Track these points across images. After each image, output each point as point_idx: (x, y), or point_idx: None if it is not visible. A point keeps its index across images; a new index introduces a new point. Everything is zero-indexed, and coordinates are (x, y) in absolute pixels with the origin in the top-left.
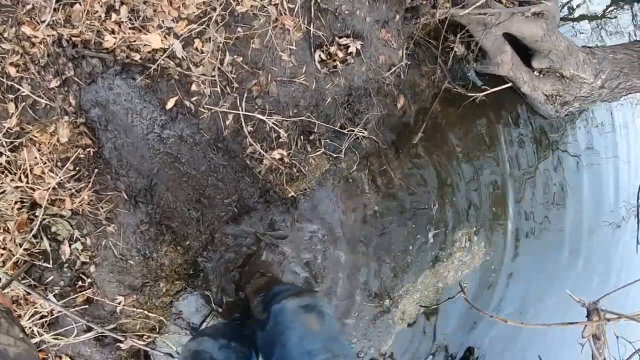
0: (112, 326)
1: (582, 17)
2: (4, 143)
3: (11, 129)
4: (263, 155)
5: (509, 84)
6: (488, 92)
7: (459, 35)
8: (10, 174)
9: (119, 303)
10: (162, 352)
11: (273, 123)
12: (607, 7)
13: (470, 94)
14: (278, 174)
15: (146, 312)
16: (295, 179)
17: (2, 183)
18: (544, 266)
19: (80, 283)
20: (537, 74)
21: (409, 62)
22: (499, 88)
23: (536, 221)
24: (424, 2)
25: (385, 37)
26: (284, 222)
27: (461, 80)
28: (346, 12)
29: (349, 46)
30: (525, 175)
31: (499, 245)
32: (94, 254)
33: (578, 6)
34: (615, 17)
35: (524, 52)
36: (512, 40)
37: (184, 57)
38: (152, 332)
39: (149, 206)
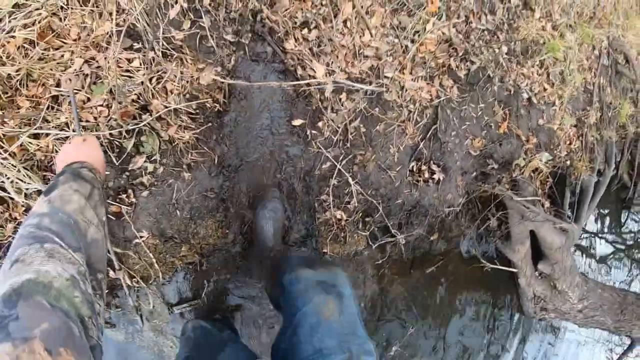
0: (119, 250)
1: (588, 252)
2: (162, 43)
3: (174, 40)
4: (329, 208)
5: (514, 270)
6: (495, 267)
7: (499, 213)
8: (146, 70)
9: (141, 237)
10: (131, 303)
11: (354, 190)
12: (609, 255)
13: (482, 261)
14: (328, 230)
15: (154, 260)
16: (337, 242)
17: (137, 70)
18: None
19: (124, 196)
20: (537, 274)
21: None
22: (505, 268)
23: None
24: (494, 175)
25: (459, 182)
26: None
27: (482, 247)
28: (449, 148)
29: (435, 173)
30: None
31: None
32: (156, 183)
33: (590, 243)
34: (611, 267)
35: (537, 252)
36: (533, 238)
37: (329, 98)
38: (142, 280)
39: (226, 182)
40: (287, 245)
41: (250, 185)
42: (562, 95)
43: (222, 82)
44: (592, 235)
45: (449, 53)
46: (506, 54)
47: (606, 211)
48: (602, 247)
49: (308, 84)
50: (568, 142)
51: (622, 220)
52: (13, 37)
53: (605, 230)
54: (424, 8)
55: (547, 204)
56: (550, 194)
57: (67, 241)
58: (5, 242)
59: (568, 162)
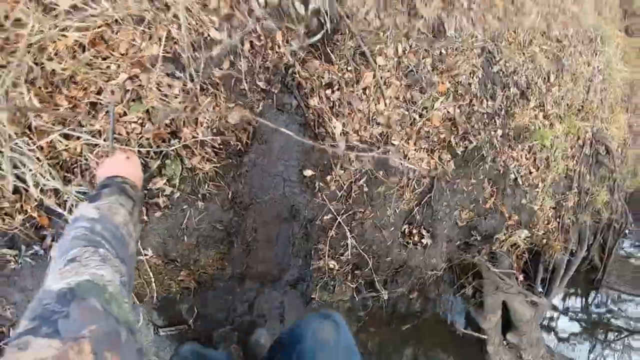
0: None
1: (555, 327)
2: (203, 80)
3: (212, 76)
4: (324, 257)
5: (483, 337)
6: (467, 332)
7: (475, 282)
8: (183, 99)
9: (145, 255)
10: None
11: (350, 243)
12: (575, 332)
13: (455, 325)
14: (319, 277)
15: (153, 279)
16: (326, 289)
17: (175, 97)
18: None
19: None
20: (505, 343)
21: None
22: (476, 334)
23: None
24: (476, 245)
25: (444, 248)
26: None
27: (456, 312)
28: (439, 217)
29: (424, 237)
30: None
31: None
32: (170, 206)
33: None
34: (576, 344)
35: (507, 323)
36: (505, 309)
37: (340, 156)
38: (136, 297)
39: (235, 217)
40: None
41: (258, 222)
42: (546, 179)
43: (249, 125)
44: (561, 312)
45: (451, 130)
46: (500, 137)
47: (575, 290)
48: (569, 324)
49: (322, 140)
50: (546, 222)
51: (590, 300)
52: (65, 36)
53: (573, 308)
54: (435, 87)
55: (521, 278)
56: (525, 268)
57: (116, 250)
58: (11, 232)
59: (544, 241)
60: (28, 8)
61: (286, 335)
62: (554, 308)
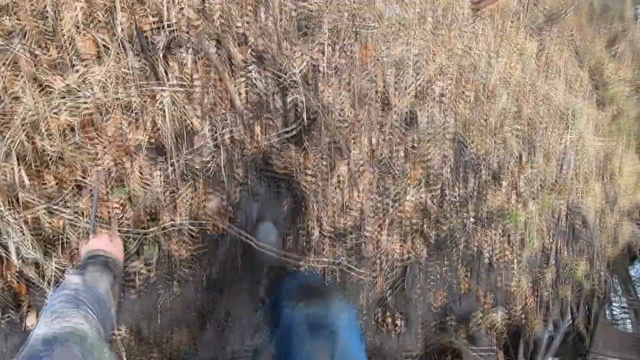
0: None
1: None
2: (184, 168)
3: (193, 165)
4: None
5: None
6: None
7: None
8: (163, 186)
9: (118, 332)
10: None
11: None
12: None
13: None
14: None
15: (124, 357)
16: None
17: (157, 187)
18: None
19: None
20: None
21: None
22: None
23: None
24: (452, 327)
25: (419, 332)
26: None
27: None
28: (413, 302)
29: (398, 323)
30: None
31: None
32: (145, 285)
33: None
34: None
35: None
36: None
37: (312, 246)
38: None
39: (209, 303)
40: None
41: (230, 309)
42: (521, 258)
43: (225, 213)
44: None
45: (423, 218)
46: (473, 221)
47: None
48: None
49: (297, 230)
50: (524, 300)
51: None
52: (57, 117)
53: None
54: (407, 176)
55: (501, 355)
56: (505, 345)
57: (97, 312)
58: None
59: (523, 317)
60: (25, 83)
61: (278, 346)
62: None
